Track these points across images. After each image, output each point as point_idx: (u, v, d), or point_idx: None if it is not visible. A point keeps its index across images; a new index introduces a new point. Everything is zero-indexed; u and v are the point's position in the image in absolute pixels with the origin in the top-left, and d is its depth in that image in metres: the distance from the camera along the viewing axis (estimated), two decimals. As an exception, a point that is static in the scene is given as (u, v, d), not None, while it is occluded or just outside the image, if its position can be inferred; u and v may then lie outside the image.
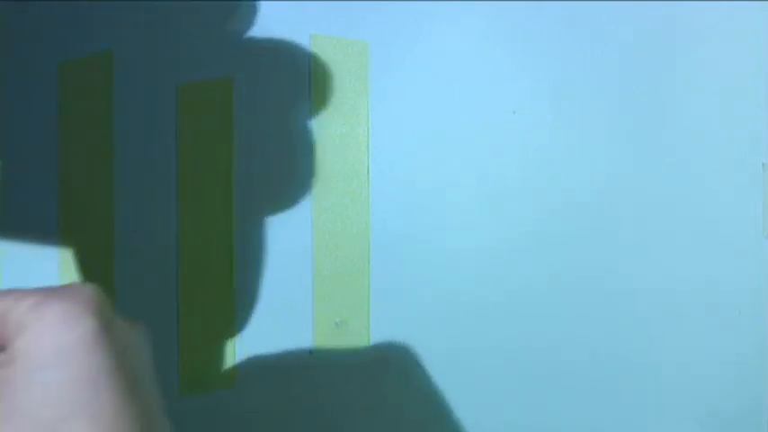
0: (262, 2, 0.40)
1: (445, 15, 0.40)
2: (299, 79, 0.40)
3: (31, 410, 0.25)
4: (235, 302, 0.41)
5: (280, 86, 0.40)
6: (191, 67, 0.41)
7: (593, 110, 0.40)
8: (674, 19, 0.40)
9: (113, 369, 0.26)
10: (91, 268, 0.41)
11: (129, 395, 0.26)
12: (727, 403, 0.39)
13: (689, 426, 0.40)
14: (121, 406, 0.26)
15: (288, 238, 0.40)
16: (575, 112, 0.40)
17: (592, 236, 0.39)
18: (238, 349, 0.41)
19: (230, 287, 0.41)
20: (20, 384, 0.25)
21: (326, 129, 0.40)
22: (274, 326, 0.41)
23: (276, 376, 0.41)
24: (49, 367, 0.25)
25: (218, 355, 0.41)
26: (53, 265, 0.41)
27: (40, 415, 0.25)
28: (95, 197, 0.41)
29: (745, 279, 0.39)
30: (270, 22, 0.40)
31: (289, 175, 0.41)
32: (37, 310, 0.26)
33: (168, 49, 0.41)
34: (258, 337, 0.41)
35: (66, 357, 0.26)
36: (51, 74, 0.41)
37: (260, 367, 0.41)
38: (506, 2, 0.37)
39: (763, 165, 0.40)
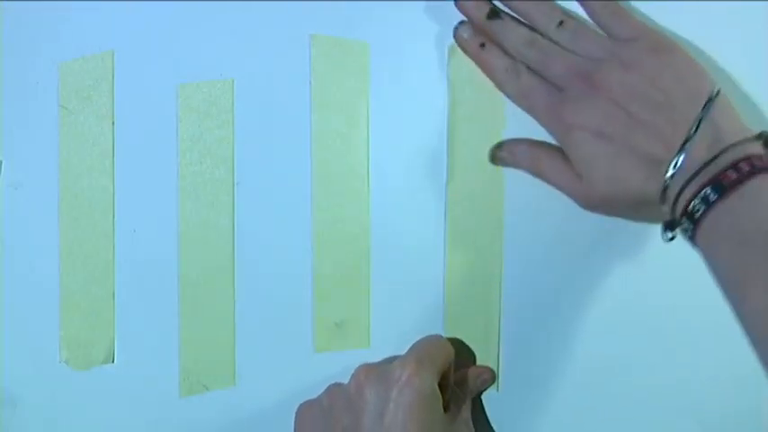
0: (262, 2, 0.40)
1: (445, 15, 0.40)
2: (299, 79, 0.40)
3: None
4: (235, 302, 0.41)
5: (280, 86, 0.40)
6: (191, 67, 0.41)
7: (593, 110, 0.40)
8: (674, 19, 0.40)
9: None
10: (91, 268, 0.41)
11: None
12: (727, 403, 0.39)
13: (689, 426, 0.40)
14: None
15: (288, 238, 0.41)
16: (575, 112, 0.40)
17: (591, 236, 0.39)
18: (238, 349, 0.41)
19: (230, 287, 0.41)
20: None
21: (326, 129, 0.40)
22: (274, 326, 0.41)
23: (276, 376, 0.41)
24: None
25: (218, 354, 0.41)
26: (53, 265, 0.42)
27: None
28: (97, 197, 0.41)
29: (745, 279, 0.39)
30: (270, 22, 0.40)
31: (288, 175, 0.41)
32: None
33: (168, 49, 0.41)
34: (258, 337, 0.41)
35: None
36: (51, 74, 0.41)
37: (260, 367, 0.41)
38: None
39: (763, 165, 0.40)
